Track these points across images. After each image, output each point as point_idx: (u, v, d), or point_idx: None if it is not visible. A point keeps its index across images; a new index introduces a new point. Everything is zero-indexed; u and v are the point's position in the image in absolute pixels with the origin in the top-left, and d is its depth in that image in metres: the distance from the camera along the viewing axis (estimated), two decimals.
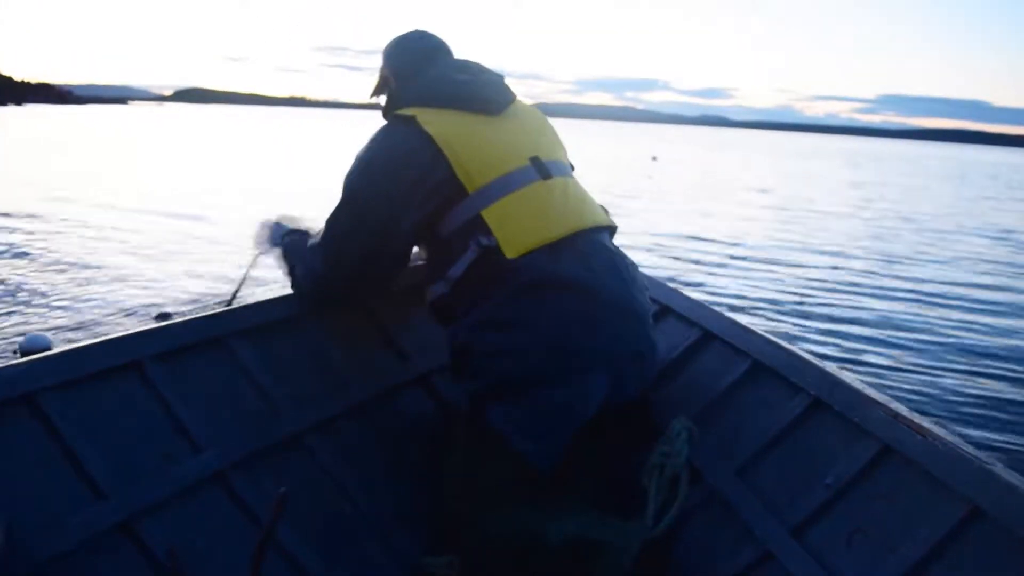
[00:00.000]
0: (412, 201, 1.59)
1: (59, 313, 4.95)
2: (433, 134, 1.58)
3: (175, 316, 4.84)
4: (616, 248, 1.71)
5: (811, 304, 6.29)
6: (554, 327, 1.52)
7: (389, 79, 1.82)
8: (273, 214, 1.99)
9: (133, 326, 4.66)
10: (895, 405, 1.42)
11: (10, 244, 7.01)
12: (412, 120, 1.62)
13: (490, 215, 1.56)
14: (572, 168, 1.83)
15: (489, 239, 1.55)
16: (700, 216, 12.06)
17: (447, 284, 1.62)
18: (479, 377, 1.58)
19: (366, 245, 1.64)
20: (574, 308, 1.53)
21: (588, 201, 1.73)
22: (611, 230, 1.76)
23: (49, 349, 4.37)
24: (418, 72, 1.74)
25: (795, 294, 6.62)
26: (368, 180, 1.63)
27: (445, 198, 1.59)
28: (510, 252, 1.54)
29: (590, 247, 1.61)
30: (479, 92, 1.69)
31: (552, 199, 1.63)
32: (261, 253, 1.95)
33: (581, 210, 1.66)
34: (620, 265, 1.64)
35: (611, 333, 1.56)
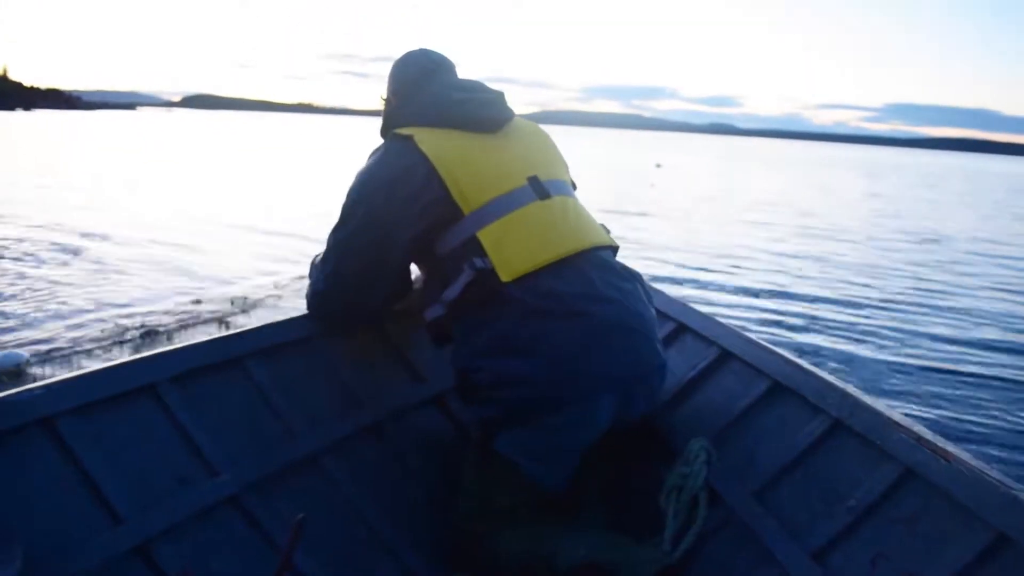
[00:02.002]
0: (406, 216, 1.58)
1: (32, 329, 4.67)
2: (428, 153, 1.58)
3: (160, 332, 4.71)
4: (618, 264, 1.69)
5: (829, 325, 6.03)
6: (557, 353, 1.49)
7: (391, 99, 1.81)
8: None
9: (111, 338, 4.51)
10: (918, 428, 1.40)
11: None
12: (409, 139, 1.62)
13: (486, 237, 1.55)
14: (574, 187, 1.81)
15: (484, 261, 1.53)
16: (695, 227, 11.80)
17: (443, 306, 1.61)
18: (485, 405, 1.57)
19: (363, 260, 1.64)
20: (576, 332, 1.50)
21: (588, 221, 1.71)
22: (612, 250, 1.73)
23: (26, 364, 4.27)
24: (418, 90, 1.74)
25: (808, 315, 6.34)
26: (364, 196, 1.63)
27: (440, 217, 1.58)
28: (505, 275, 1.52)
29: (590, 267, 1.59)
30: (476, 111, 1.68)
31: (550, 220, 1.61)
32: None
33: (579, 231, 1.64)
34: (622, 283, 1.62)
35: (615, 354, 1.54)
